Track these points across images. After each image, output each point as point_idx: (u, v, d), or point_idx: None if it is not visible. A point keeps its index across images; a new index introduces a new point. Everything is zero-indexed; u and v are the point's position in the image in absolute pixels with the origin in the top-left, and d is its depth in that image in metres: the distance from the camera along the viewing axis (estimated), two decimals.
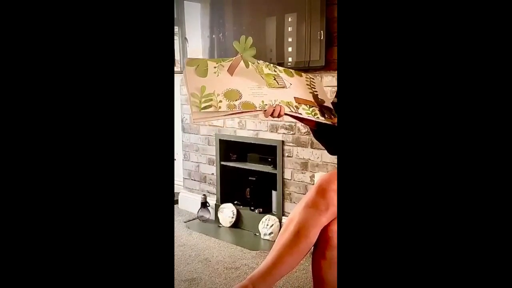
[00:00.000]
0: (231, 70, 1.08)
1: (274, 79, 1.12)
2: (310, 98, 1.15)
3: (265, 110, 1.04)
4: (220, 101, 1.00)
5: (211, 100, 1.00)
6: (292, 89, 1.14)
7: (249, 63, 1.09)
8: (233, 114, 1.02)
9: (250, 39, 1.08)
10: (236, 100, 1.02)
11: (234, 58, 1.09)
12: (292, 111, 1.08)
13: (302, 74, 1.24)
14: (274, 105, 1.05)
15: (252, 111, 1.04)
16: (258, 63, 1.14)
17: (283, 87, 1.12)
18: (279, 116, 1.05)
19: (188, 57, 1.07)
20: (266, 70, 1.14)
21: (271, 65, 1.18)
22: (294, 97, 1.11)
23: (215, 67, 1.07)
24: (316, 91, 1.19)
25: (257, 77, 1.10)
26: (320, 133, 1.27)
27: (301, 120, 1.20)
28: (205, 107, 0.99)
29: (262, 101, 1.04)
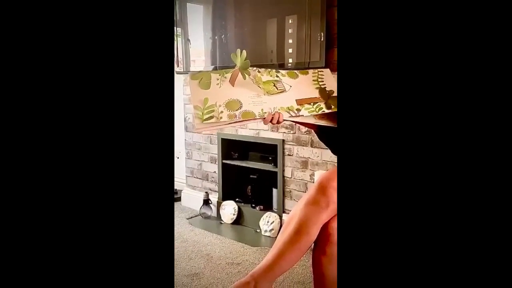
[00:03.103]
0: (232, 81, 1.13)
1: (274, 85, 1.15)
2: (315, 94, 1.17)
3: (264, 118, 1.08)
4: (221, 112, 1.05)
5: (213, 111, 1.05)
6: (293, 91, 1.16)
7: (245, 75, 1.14)
8: (233, 123, 1.07)
9: (244, 52, 1.12)
10: (237, 109, 1.07)
11: (234, 69, 1.14)
12: (292, 115, 1.11)
13: (309, 71, 1.25)
14: (272, 113, 1.08)
15: (251, 119, 1.08)
16: (259, 71, 1.17)
17: (283, 91, 1.16)
18: (278, 122, 1.09)
19: (192, 71, 1.11)
20: (265, 78, 1.17)
21: (273, 71, 1.20)
22: (296, 100, 1.15)
23: (217, 79, 1.12)
24: (323, 84, 1.20)
25: (255, 87, 1.14)
26: (322, 134, 1.30)
27: (302, 124, 1.23)
28: (207, 118, 1.04)
29: (262, 109, 1.08)
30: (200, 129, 1.06)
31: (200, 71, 1.12)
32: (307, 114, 1.12)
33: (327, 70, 1.26)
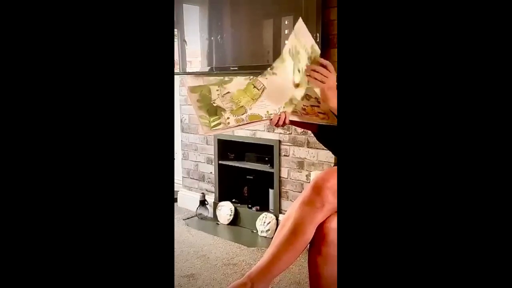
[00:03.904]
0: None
1: (254, 86, 1.12)
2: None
3: (271, 118, 1.09)
4: (228, 118, 1.07)
5: (219, 118, 1.07)
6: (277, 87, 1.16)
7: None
8: (242, 125, 1.09)
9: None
10: (243, 114, 1.08)
11: (233, 78, 1.13)
12: (298, 114, 1.12)
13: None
14: (279, 113, 1.09)
15: (259, 121, 1.09)
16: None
17: (264, 90, 1.14)
18: (283, 124, 1.10)
19: (190, 85, 1.10)
20: (242, 83, 1.12)
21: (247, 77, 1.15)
22: None
23: (217, 90, 1.12)
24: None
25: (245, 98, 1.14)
26: (322, 135, 1.31)
27: (300, 125, 1.23)
28: (215, 125, 1.07)
29: (267, 111, 1.09)
30: (209, 132, 1.09)
31: (198, 85, 1.12)
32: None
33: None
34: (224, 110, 1.08)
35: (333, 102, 1.05)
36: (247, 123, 1.09)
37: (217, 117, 1.07)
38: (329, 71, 1.04)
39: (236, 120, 1.07)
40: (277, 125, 1.10)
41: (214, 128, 1.07)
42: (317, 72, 1.03)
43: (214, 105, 1.08)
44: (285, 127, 2.27)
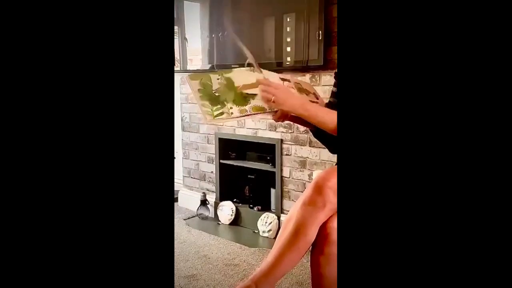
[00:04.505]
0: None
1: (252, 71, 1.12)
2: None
3: (276, 111, 1.07)
4: (231, 108, 1.05)
5: (222, 108, 1.05)
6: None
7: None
8: (245, 116, 1.07)
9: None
10: (246, 104, 1.06)
11: (233, 70, 1.12)
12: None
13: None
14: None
15: (263, 112, 1.07)
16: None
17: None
18: (284, 119, 1.08)
19: (190, 73, 1.08)
20: (245, 76, 1.14)
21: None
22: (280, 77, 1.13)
23: (218, 79, 1.11)
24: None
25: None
26: (319, 133, 1.29)
27: (302, 123, 1.22)
28: (218, 114, 1.04)
29: None
30: (212, 122, 1.08)
31: (198, 73, 1.10)
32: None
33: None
34: (226, 99, 1.06)
35: (296, 112, 1.08)
36: (251, 114, 1.06)
37: (219, 106, 1.05)
38: (275, 88, 1.06)
39: (240, 110, 1.05)
40: (279, 119, 1.08)
41: (217, 118, 1.05)
42: (264, 91, 1.06)
43: (216, 94, 1.06)
44: (287, 125, 2.27)
